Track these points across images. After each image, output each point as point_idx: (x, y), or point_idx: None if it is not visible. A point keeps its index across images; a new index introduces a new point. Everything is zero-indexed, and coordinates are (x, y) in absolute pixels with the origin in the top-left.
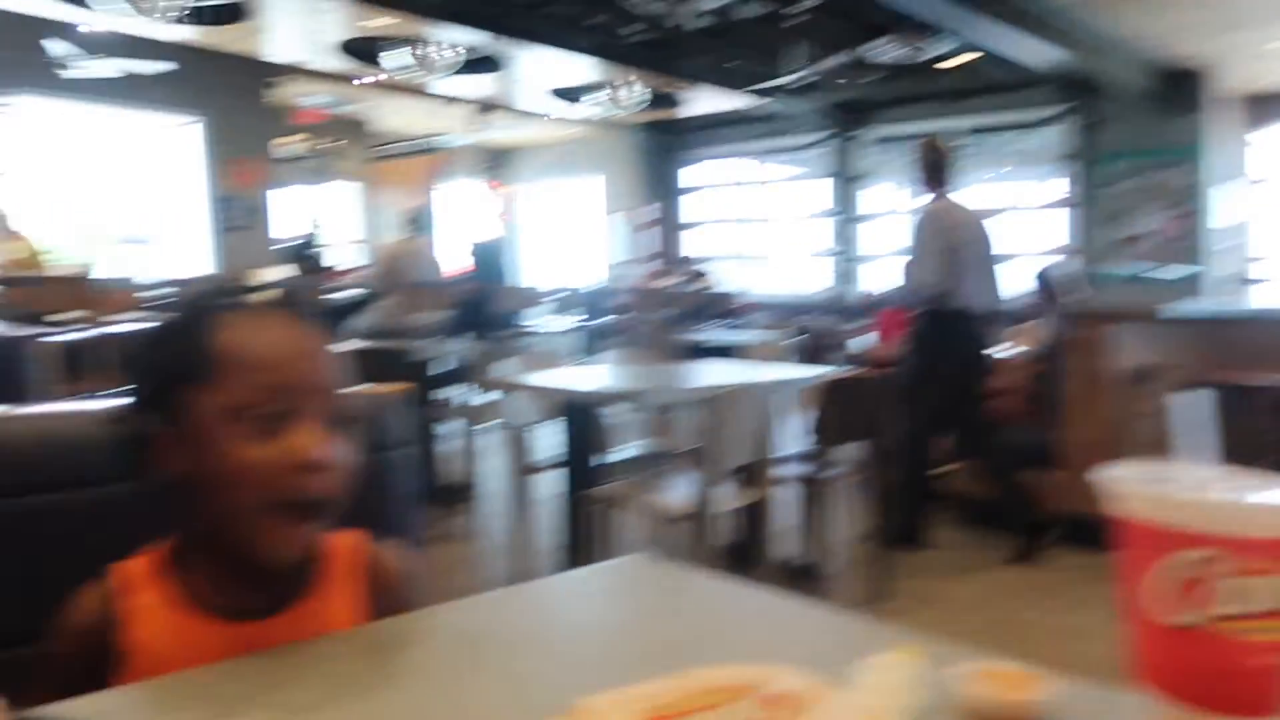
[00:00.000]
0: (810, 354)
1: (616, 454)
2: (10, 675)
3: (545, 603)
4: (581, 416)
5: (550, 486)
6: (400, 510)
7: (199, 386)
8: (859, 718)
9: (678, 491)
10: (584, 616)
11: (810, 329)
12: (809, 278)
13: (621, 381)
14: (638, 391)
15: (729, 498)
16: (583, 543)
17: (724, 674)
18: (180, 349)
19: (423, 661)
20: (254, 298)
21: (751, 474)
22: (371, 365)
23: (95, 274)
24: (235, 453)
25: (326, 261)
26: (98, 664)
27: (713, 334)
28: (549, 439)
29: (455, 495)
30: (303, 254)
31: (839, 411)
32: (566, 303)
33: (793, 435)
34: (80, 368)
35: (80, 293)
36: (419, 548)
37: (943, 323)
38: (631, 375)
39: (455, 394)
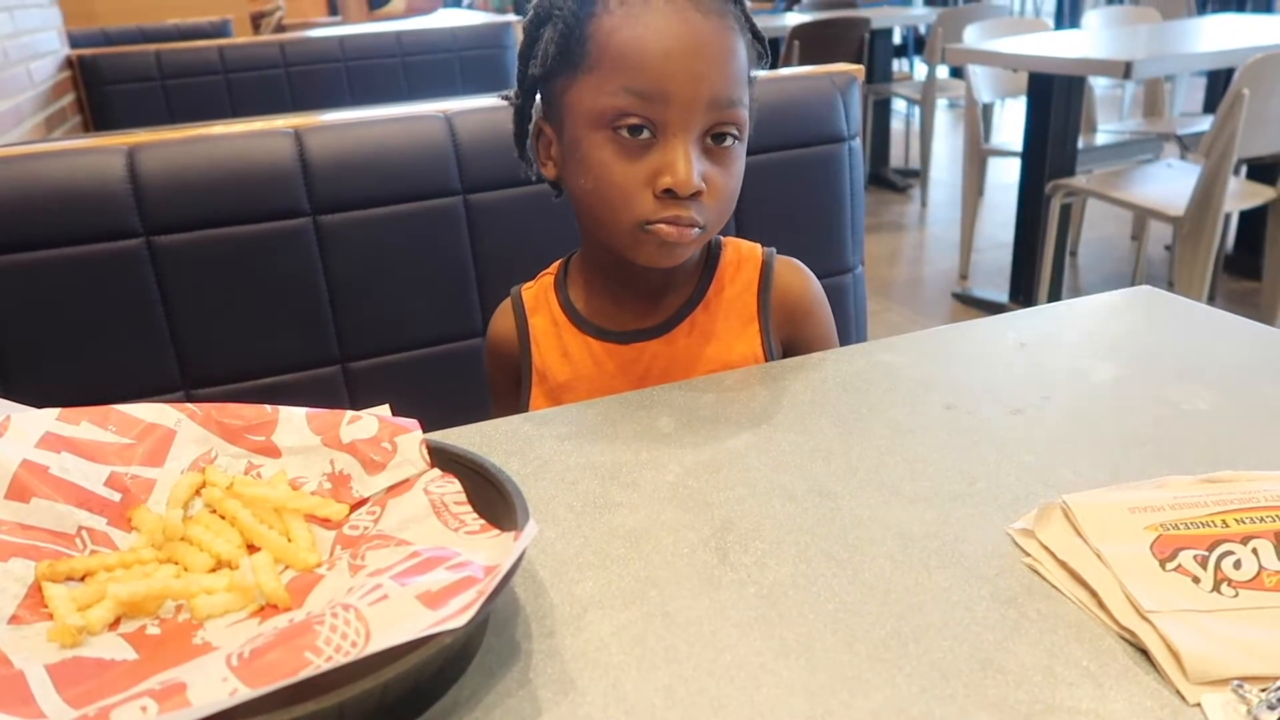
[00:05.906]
0: None
1: (1094, 138)
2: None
3: (1003, 341)
4: (1050, 91)
5: (1011, 174)
6: (841, 205)
7: (571, 77)
8: None
9: (1169, 186)
10: (1063, 364)
11: None
12: None
13: (1104, 48)
14: (1123, 61)
15: (1237, 197)
16: (1041, 240)
17: (1259, 486)
18: (560, 27)
19: (833, 403)
20: None
21: (1275, 169)
22: (813, 42)
23: None
24: (599, 165)
25: None
26: (518, 379)
27: None
28: (1013, 119)
29: (904, 180)
30: None
31: None
32: None
33: None
34: None
35: None
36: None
37: None
38: (1116, 39)
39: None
